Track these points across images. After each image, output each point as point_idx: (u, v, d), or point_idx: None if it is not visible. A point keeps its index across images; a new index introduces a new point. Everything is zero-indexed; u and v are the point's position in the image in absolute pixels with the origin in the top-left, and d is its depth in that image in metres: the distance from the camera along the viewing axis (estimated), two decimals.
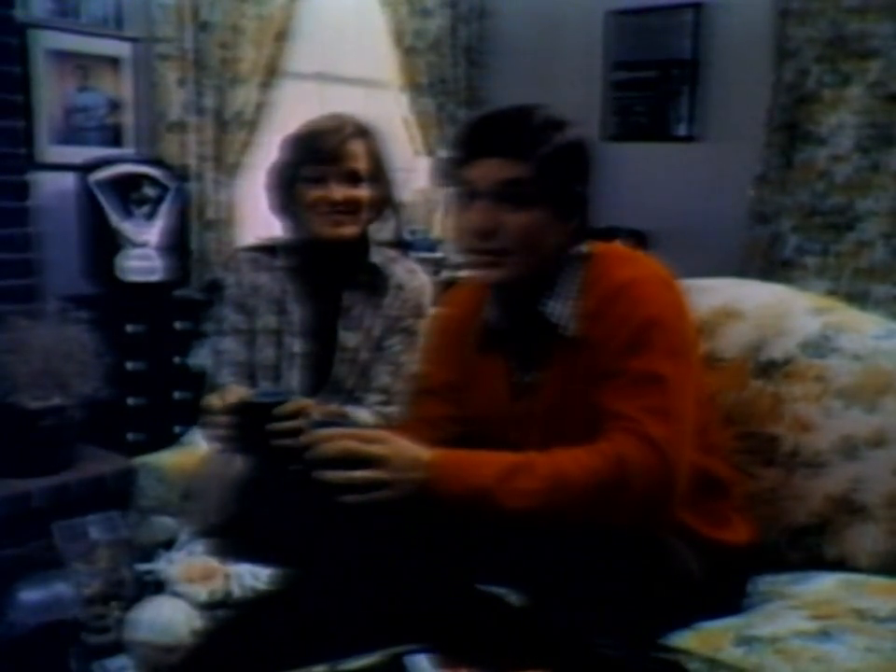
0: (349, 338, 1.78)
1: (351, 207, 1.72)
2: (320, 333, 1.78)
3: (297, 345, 1.77)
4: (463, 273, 3.41)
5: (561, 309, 1.35)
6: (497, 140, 1.32)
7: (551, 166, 1.30)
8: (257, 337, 1.79)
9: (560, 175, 1.32)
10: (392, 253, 1.87)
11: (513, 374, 1.42)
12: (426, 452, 1.21)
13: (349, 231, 1.74)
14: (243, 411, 1.44)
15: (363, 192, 1.73)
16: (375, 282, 1.80)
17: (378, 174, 1.76)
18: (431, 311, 1.84)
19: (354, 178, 1.72)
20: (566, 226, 1.35)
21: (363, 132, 1.75)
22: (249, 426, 1.43)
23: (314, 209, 1.72)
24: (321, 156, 1.70)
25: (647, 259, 1.40)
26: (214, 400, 1.49)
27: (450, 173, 1.38)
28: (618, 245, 1.49)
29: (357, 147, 1.72)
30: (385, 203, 1.81)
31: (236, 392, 1.51)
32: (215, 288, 1.93)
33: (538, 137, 1.31)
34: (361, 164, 1.72)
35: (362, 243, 1.79)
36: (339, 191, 1.71)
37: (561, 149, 1.32)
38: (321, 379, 1.77)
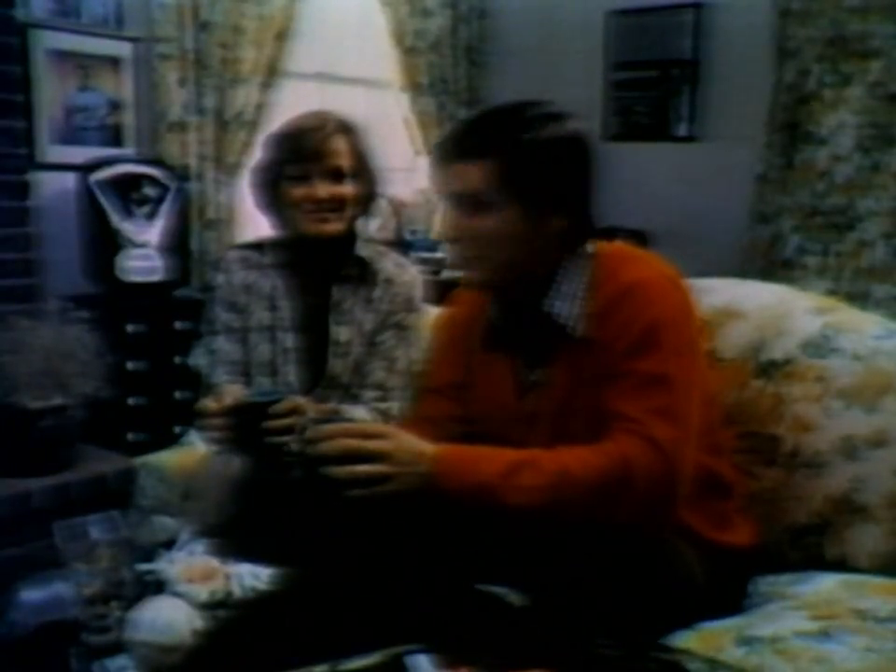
0: (341, 332, 1.78)
1: (335, 205, 1.72)
2: (312, 328, 1.79)
3: (289, 340, 1.78)
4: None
5: (568, 309, 1.35)
6: (456, 146, 1.32)
7: (516, 166, 1.29)
8: (250, 334, 1.80)
9: (530, 173, 1.29)
10: (381, 248, 1.88)
11: (519, 372, 1.42)
12: (429, 447, 1.22)
13: (334, 227, 1.74)
14: (238, 411, 1.44)
15: (347, 189, 1.73)
16: (364, 276, 1.80)
17: (362, 169, 1.76)
18: (422, 305, 1.85)
19: (337, 175, 1.72)
20: (545, 225, 1.32)
21: (345, 128, 1.75)
22: (245, 425, 1.44)
23: (299, 207, 1.72)
24: (304, 154, 1.70)
25: (654, 258, 1.39)
26: (209, 402, 1.49)
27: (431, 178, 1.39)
28: (625, 245, 1.49)
29: (339, 144, 1.72)
30: (370, 199, 1.81)
31: (231, 392, 1.51)
32: (207, 289, 1.94)
33: (501, 138, 1.30)
34: (344, 161, 1.73)
35: (349, 237, 1.79)
36: (323, 189, 1.71)
37: (532, 147, 1.29)
38: (317, 374, 1.77)
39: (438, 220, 4.46)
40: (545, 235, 1.33)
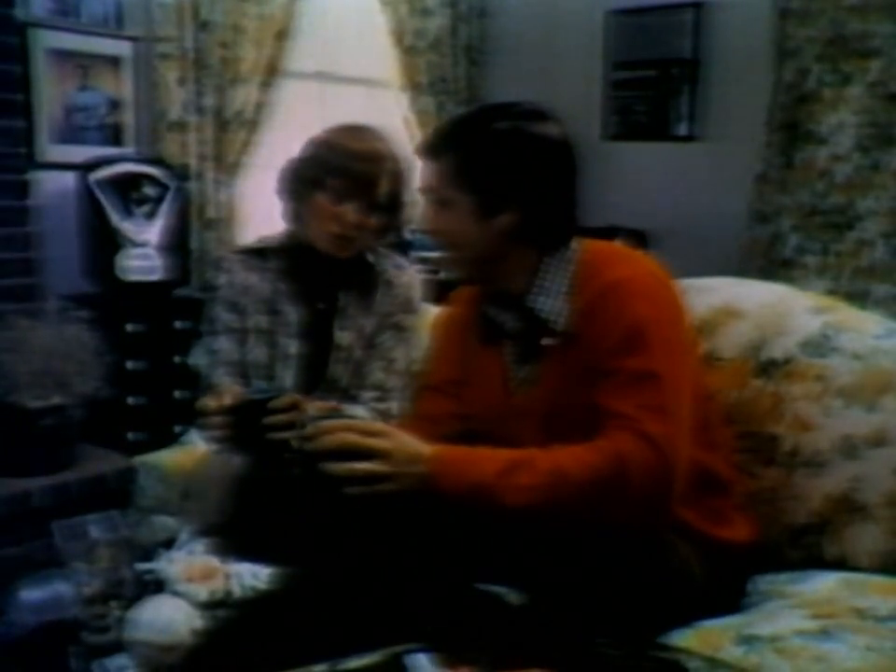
0: (343, 337, 1.78)
1: (358, 233, 1.71)
2: (315, 334, 1.78)
3: (293, 347, 1.77)
4: None
5: (551, 305, 1.35)
6: (422, 146, 1.41)
7: (468, 162, 1.33)
8: (248, 337, 1.79)
9: (480, 167, 1.33)
10: (381, 249, 1.87)
11: (509, 369, 1.43)
12: (427, 447, 1.22)
13: (349, 254, 1.74)
14: (238, 409, 1.44)
15: (373, 221, 1.71)
16: (367, 280, 1.80)
17: (395, 205, 1.74)
18: (421, 306, 1.85)
19: (371, 207, 1.70)
20: (489, 224, 1.34)
21: (397, 166, 1.72)
22: (245, 423, 1.44)
23: (325, 223, 1.69)
24: (353, 179, 1.67)
25: (640, 257, 1.40)
26: (209, 401, 1.49)
27: None
28: (611, 243, 1.49)
29: (385, 181, 1.69)
30: (389, 231, 1.79)
31: (230, 391, 1.51)
32: (208, 289, 1.93)
33: (457, 137, 1.36)
34: (382, 196, 1.70)
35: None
36: (354, 216, 1.68)
37: (483, 142, 1.33)
38: (316, 378, 1.77)
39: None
40: (491, 233, 1.35)
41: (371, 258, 1.81)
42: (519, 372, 1.42)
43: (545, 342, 1.36)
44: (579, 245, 1.40)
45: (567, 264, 1.37)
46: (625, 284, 1.30)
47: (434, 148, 1.38)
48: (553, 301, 1.35)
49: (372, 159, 1.69)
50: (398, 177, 1.72)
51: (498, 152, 1.33)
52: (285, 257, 1.81)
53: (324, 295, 1.79)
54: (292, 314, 1.78)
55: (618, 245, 1.52)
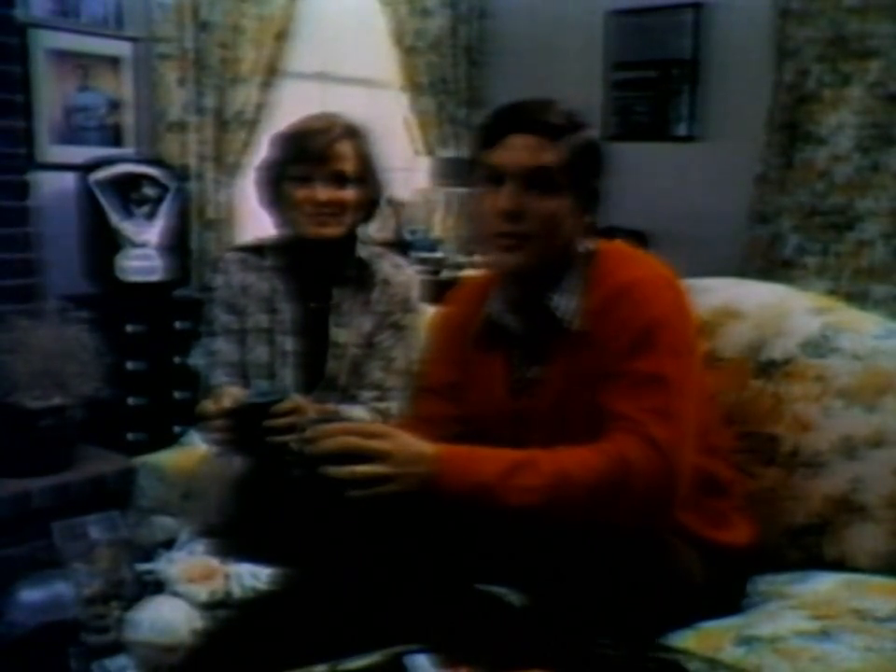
0: (340, 334, 1.78)
1: (336, 209, 1.72)
2: (312, 331, 1.78)
3: (289, 344, 1.78)
4: (464, 273, 3.42)
5: (566, 304, 1.35)
6: (529, 118, 1.32)
7: (578, 155, 1.32)
8: (247, 336, 1.80)
9: (585, 166, 1.34)
10: (378, 248, 1.87)
11: (514, 371, 1.42)
12: (429, 447, 1.22)
13: (333, 231, 1.73)
14: (238, 412, 1.44)
15: (349, 194, 1.72)
16: (363, 277, 1.80)
17: (366, 175, 1.75)
18: (419, 305, 1.85)
19: (340, 180, 1.71)
20: (582, 219, 1.36)
21: (352, 133, 1.74)
22: (245, 426, 1.44)
23: (299, 209, 1.72)
24: (307, 156, 1.69)
25: (651, 258, 1.40)
26: (209, 405, 1.49)
27: (475, 157, 1.38)
28: (623, 244, 1.49)
29: (344, 149, 1.72)
30: (373, 205, 1.80)
31: (230, 394, 1.51)
32: (207, 289, 1.93)
33: (567, 123, 1.32)
34: (348, 166, 1.72)
35: (349, 240, 1.79)
36: (324, 192, 1.70)
37: (587, 141, 1.34)
38: (315, 377, 1.77)
39: (438, 220, 4.47)
40: (580, 227, 1.37)
41: (365, 254, 1.81)
42: (526, 374, 1.41)
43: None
44: (593, 245, 1.40)
45: (583, 265, 1.37)
46: (636, 286, 1.30)
47: (550, 129, 1.31)
48: (568, 301, 1.35)
49: (320, 131, 1.71)
50: (356, 145, 1.74)
51: (595, 152, 1.36)
52: (281, 254, 1.82)
53: (318, 292, 1.80)
54: (287, 311, 1.79)
55: (628, 245, 1.50)
